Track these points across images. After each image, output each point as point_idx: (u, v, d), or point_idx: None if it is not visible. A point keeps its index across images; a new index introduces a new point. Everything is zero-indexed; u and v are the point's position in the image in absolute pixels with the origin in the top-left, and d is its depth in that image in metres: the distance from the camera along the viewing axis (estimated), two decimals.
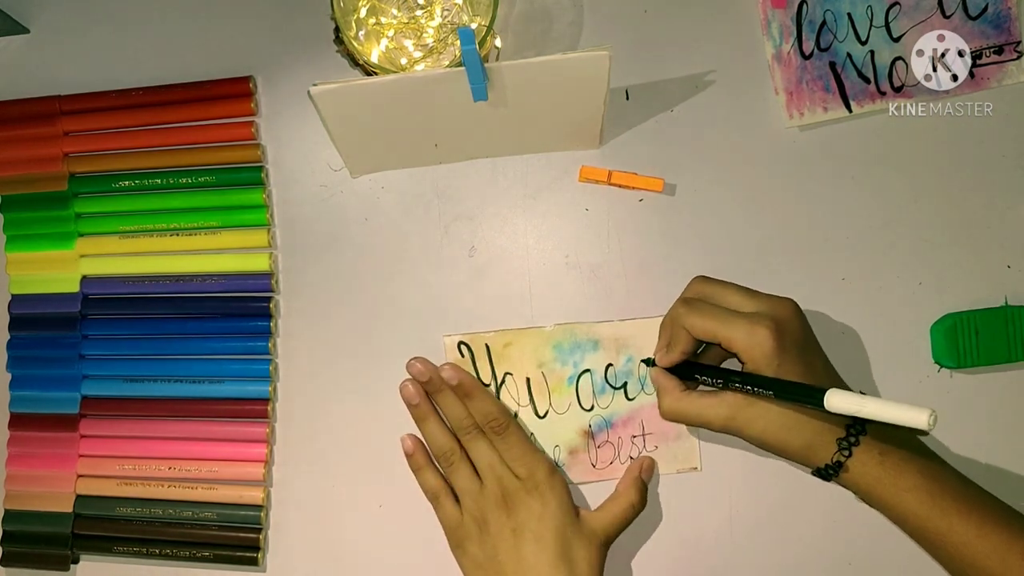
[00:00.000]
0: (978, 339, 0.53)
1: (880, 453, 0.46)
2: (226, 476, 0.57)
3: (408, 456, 0.55)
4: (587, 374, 0.55)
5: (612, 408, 0.55)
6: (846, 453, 0.46)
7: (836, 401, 0.42)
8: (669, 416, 0.50)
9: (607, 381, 0.55)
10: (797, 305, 0.49)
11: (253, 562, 0.56)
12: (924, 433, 0.46)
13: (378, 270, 0.57)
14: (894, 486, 0.46)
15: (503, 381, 0.56)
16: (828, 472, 0.47)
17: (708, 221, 0.56)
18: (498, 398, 0.55)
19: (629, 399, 0.55)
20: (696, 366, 0.51)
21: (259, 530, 0.57)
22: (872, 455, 0.46)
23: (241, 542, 0.56)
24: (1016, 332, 0.53)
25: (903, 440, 0.48)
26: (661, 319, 0.54)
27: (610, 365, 0.55)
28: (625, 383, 0.55)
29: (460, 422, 0.53)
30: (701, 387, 0.51)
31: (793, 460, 0.48)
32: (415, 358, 0.54)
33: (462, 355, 0.56)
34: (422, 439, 0.55)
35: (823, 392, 0.43)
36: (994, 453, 0.54)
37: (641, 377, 0.55)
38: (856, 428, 0.46)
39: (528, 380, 0.56)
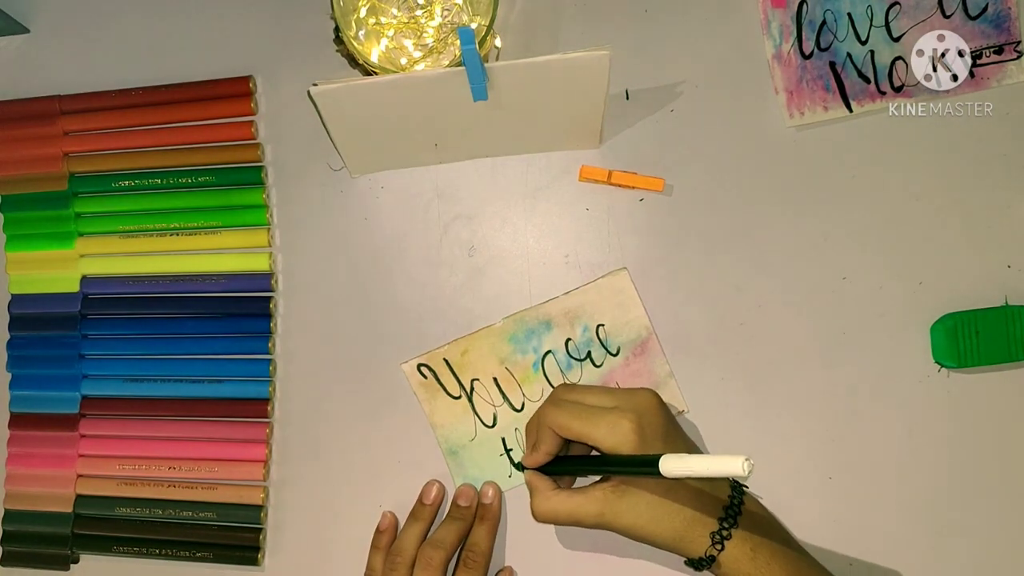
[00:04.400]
0: (978, 339, 0.53)
1: (752, 548, 0.47)
2: (226, 476, 0.57)
3: (378, 531, 0.55)
4: (549, 355, 0.56)
5: (584, 380, 0.55)
6: (719, 547, 0.46)
7: (669, 466, 0.42)
8: (541, 517, 0.50)
9: (571, 356, 0.56)
10: (656, 395, 0.50)
11: (253, 561, 0.56)
12: (743, 479, 0.46)
13: (378, 270, 0.57)
14: None
15: (472, 389, 0.56)
16: (700, 564, 0.47)
17: (708, 221, 0.56)
18: (472, 407, 0.56)
19: (597, 366, 0.55)
20: (561, 460, 0.51)
21: (259, 530, 0.57)
22: (744, 550, 0.47)
23: (241, 541, 0.56)
24: (1016, 332, 0.53)
25: (772, 532, 0.48)
26: (604, 281, 0.55)
27: (569, 340, 0.56)
28: (589, 352, 0.55)
29: (437, 546, 0.52)
30: (579, 483, 0.52)
31: (668, 550, 0.48)
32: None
33: (424, 377, 0.56)
34: (398, 526, 0.55)
35: (658, 459, 0.43)
36: (994, 453, 0.54)
37: (603, 341, 0.55)
38: (729, 522, 0.47)
39: (495, 380, 0.56)
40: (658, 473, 0.43)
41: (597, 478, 0.50)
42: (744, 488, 0.49)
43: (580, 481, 0.53)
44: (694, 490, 0.47)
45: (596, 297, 0.55)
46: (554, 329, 0.56)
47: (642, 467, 0.45)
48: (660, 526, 0.47)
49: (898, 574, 0.53)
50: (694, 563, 0.48)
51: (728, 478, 0.49)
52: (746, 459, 0.39)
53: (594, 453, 0.51)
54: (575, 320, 0.56)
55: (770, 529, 0.49)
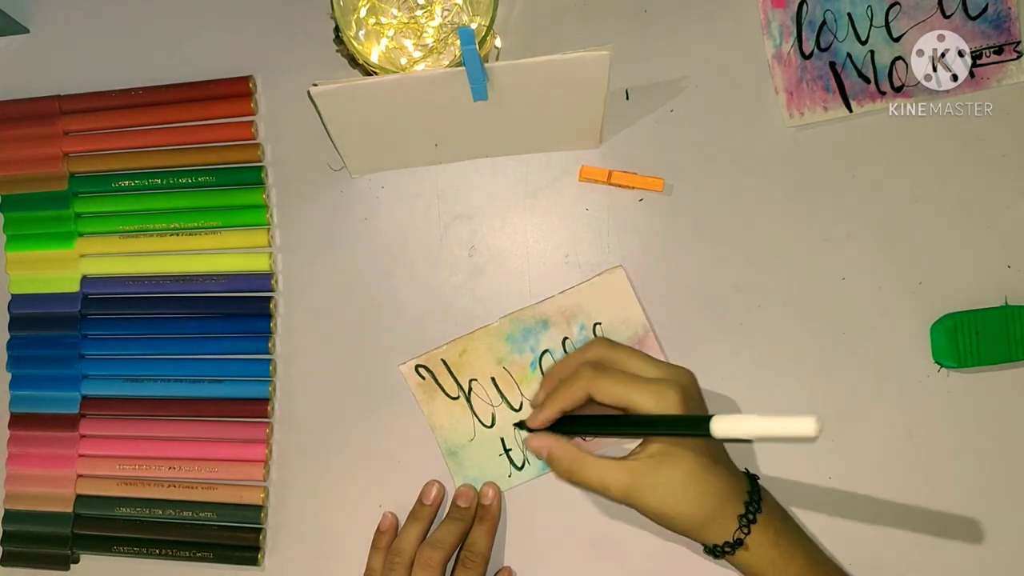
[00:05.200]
0: (978, 339, 0.53)
1: (775, 533, 0.46)
2: (226, 476, 0.57)
3: (378, 531, 0.55)
4: (547, 354, 0.56)
5: None
6: (746, 531, 0.45)
7: (722, 426, 0.40)
8: (568, 480, 0.48)
9: (567, 354, 0.55)
10: (694, 374, 0.49)
11: (253, 561, 0.56)
12: (811, 440, 0.40)
13: (378, 270, 0.57)
14: (785, 570, 0.46)
15: (470, 389, 0.56)
16: (723, 550, 0.46)
17: (708, 221, 0.56)
18: (470, 408, 0.56)
19: None
20: (575, 420, 0.49)
21: (259, 530, 0.57)
22: (768, 535, 0.46)
23: (241, 541, 0.56)
24: (1016, 332, 0.53)
25: (787, 519, 0.48)
26: (600, 279, 0.55)
27: (566, 338, 0.55)
28: None
29: (435, 546, 0.52)
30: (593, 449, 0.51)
31: (688, 535, 0.46)
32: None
33: (422, 378, 0.56)
34: (399, 526, 0.55)
35: (708, 419, 0.41)
36: (994, 453, 0.54)
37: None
38: (754, 505, 0.46)
39: (494, 379, 0.56)
40: (707, 434, 0.40)
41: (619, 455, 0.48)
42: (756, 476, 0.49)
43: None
44: (726, 470, 0.46)
45: (592, 295, 0.55)
46: (551, 328, 0.56)
47: (688, 428, 0.43)
48: (692, 505, 0.45)
49: (898, 574, 0.53)
50: (717, 549, 0.46)
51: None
52: (816, 418, 0.36)
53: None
54: (572, 319, 0.56)
55: (786, 516, 0.48)
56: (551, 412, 0.48)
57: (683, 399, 0.45)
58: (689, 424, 0.43)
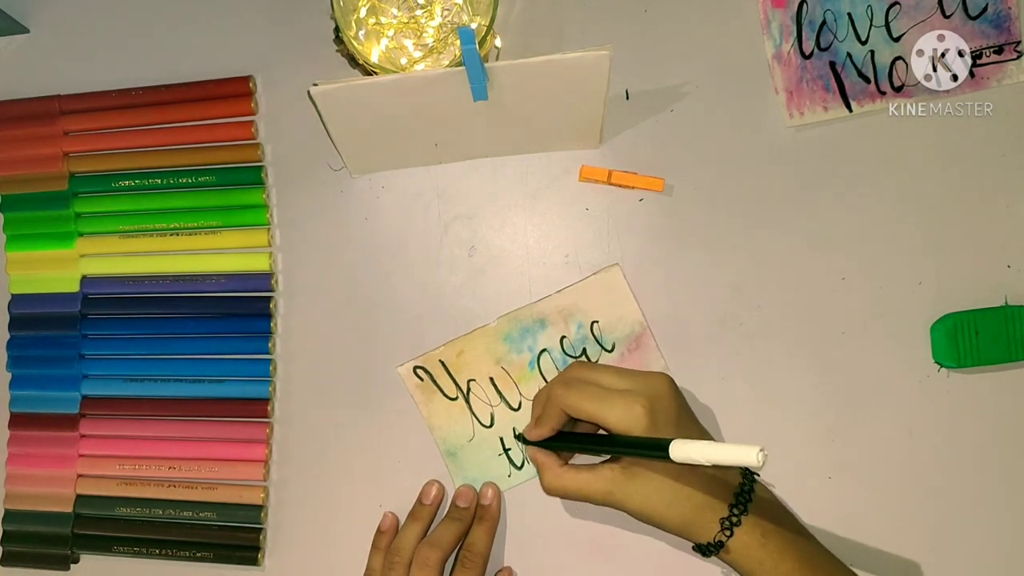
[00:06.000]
0: (978, 339, 0.53)
1: (763, 535, 0.46)
2: (226, 476, 0.57)
3: (379, 531, 0.55)
4: (545, 354, 0.56)
5: None
6: (728, 533, 0.46)
7: (679, 451, 0.42)
8: (552, 492, 0.50)
9: (566, 353, 0.56)
10: (671, 380, 0.49)
11: (253, 561, 0.56)
12: (757, 470, 0.44)
13: (378, 270, 0.57)
14: (774, 570, 0.46)
15: (469, 389, 0.56)
16: (708, 549, 0.47)
17: (708, 221, 0.56)
18: (469, 408, 0.56)
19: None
20: (563, 436, 0.51)
21: (259, 530, 0.57)
22: (755, 536, 0.46)
23: (241, 541, 0.56)
24: (1016, 332, 0.53)
25: (783, 520, 0.48)
26: (596, 277, 0.55)
27: (564, 337, 0.55)
28: (584, 349, 0.55)
29: (435, 545, 0.52)
30: (583, 460, 0.52)
31: (676, 535, 0.48)
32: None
33: (420, 379, 0.56)
34: (398, 526, 0.55)
35: (668, 443, 0.42)
36: (994, 453, 0.54)
37: (598, 337, 0.55)
38: (739, 508, 0.46)
39: (492, 380, 0.56)
40: (667, 457, 0.42)
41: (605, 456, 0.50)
42: (755, 475, 0.49)
43: (586, 457, 0.53)
44: (705, 475, 0.47)
45: (589, 294, 0.55)
46: (548, 327, 0.56)
47: (651, 450, 0.44)
48: (669, 510, 0.47)
49: (897, 574, 0.53)
50: (702, 548, 0.47)
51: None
52: (760, 450, 0.38)
53: (600, 432, 0.51)
54: (569, 317, 0.56)
55: (781, 516, 0.48)
56: (540, 431, 0.51)
57: (650, 410, 0.46)
58: (650, 446, 0.45)
